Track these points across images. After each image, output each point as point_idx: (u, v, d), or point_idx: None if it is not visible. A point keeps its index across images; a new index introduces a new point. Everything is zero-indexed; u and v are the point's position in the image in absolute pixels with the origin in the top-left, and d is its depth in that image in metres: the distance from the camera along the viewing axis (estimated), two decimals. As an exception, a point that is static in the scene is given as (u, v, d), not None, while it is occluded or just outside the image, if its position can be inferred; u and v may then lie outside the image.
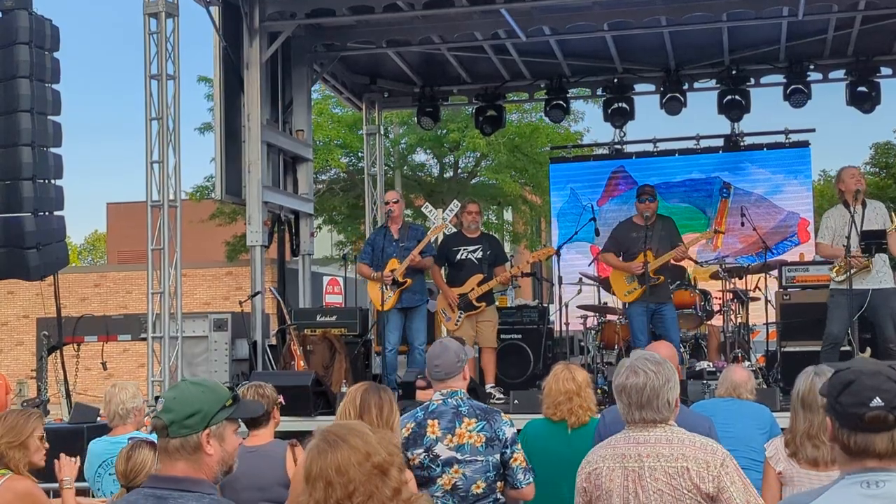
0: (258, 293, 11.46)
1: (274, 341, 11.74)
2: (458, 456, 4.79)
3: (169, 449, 2.99)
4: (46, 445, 5.16)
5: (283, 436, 5.47)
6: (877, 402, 2.72)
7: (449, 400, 4.93)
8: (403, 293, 10.48)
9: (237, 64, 11.84)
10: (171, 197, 10.58)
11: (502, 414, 5.01)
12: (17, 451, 4.95)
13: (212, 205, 26.85)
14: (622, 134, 16.91)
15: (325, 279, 26.79)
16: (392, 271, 10.38)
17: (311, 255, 13.65)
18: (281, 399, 5.50)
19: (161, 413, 3.00)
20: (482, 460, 4.81)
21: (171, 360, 10.42)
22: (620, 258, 10.57)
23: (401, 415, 4.81)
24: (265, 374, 10.32)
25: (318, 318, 11.76)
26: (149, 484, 3.05)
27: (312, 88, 15.20)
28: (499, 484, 4.88)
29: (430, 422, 4.86)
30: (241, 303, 11.25)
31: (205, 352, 11.19)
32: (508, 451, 4.87)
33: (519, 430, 6.14)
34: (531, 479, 4.94)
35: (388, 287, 10.39)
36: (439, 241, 11.73)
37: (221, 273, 30.32)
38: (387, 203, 10.99)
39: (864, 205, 9.56)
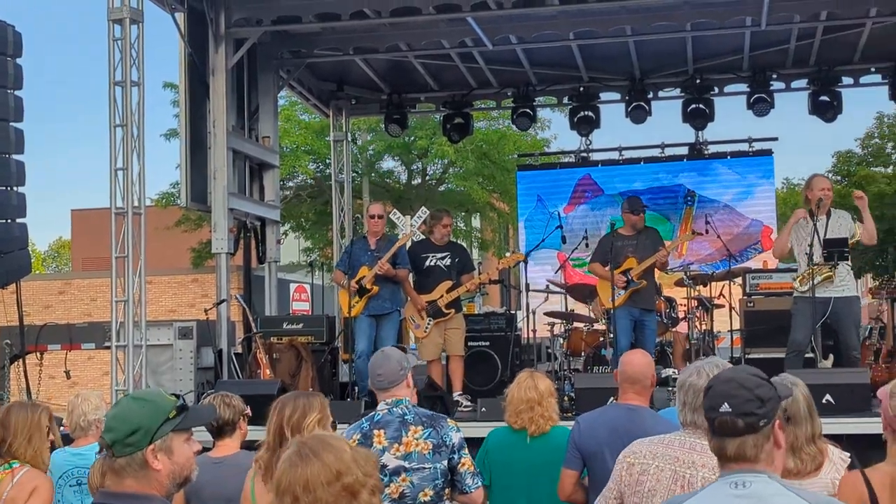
0: (223, 301, 11.40)
1: (240, 349, 11.67)
2: (406, 464, 4.76)
3: (115, 467, 2.95)
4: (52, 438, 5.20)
5: (249, 445, 5.45)
6: (725, 407, 2.85)
7: (394, 409, 4.90)
8: (371, 300, 10.46)
9: (203, 70, 11.79)
10: (136, 204, 10.50)
11: (448, 419, 4.99)
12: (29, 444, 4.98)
13: (178, 211, 26.73)
14: (588, 142, 17.01)
15: (293, 286, 26.74)
16: (360, 279, 10.38)
17: (278, 262, 13.61)
18: (248, 411, 5.48)
19: (104, 433, 2.97)
20: (430, 467, 4.80)
21: (136, 368, 10.33)
22: (607, 268, 10.65)
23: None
24: (230, 382, 10.27)
25: (284, 326, 11.74)
26: (98, 500, 3.02)
27: (279, 95, 15.17)
28: (447, 490, 4.88)
29: (375, 432, 4.83)
30: (206, 311, 11.19)
31: (170, 360, 11.13)
32: (456, 456, 4.86)
33: (482, 438, 6.20)
34: (479, 484, 4.94)
35: (355, 294, 10.39)
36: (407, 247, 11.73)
37: (187, 280, 30.15)
38: (372, 216, 10.93)
39: (829, 214, 9.66)
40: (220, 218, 11.52)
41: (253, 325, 11.27)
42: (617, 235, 10.66)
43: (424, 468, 4.80)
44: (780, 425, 2.93)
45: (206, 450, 4.86)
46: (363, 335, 10.47)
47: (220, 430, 5.27)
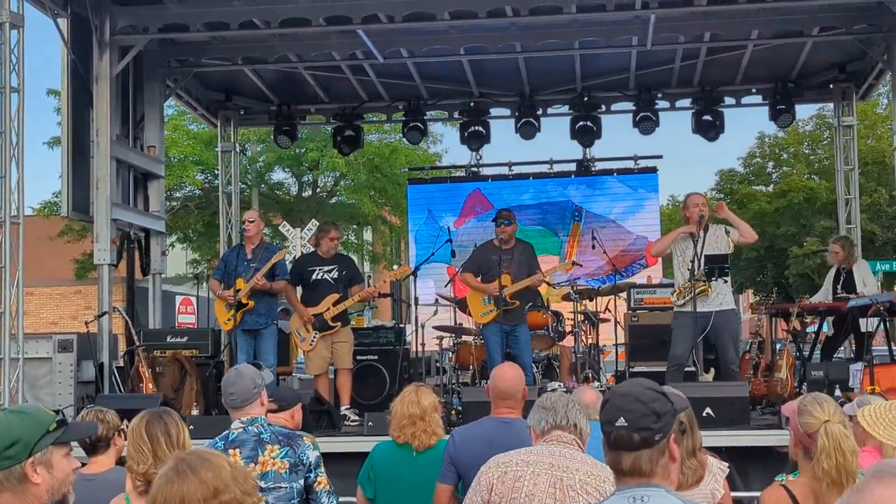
0: (105, 313, 11.15)
1: (122, 363, 11.44)
2: (263, 484, 4.66)
3: None
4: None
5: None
6: (621, 421, 2.84)
7: (250, 427, 4.82)
8: (246, 315, 10.36)
9: (87, 77, 11.53)
10: (14, 213, 10.21)
11: (306, 437, 4.94)
12: None
13: (62, 222, 26.09)
14: (478, 157, 17.12)
15: (178, 299, 26.32)
16: (236, 292, 10.24)
17: (163, 274, 13.38)
18: (124, 425, 5.34)
19: None
20: (286, 487, 4.73)
21: (12, 382, 10.03)
22: (479, 279, 10.67)
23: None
24: (111, 397, 10.05)
25: (168, 339, 11.53)
26: None
27: (167, 104, 14.93)
28: None
29: (231, 451, 4.73)
30: (87, 323, 10.93)
31: (48, 374, 10.84)
32: (312, 475, 4.80)
33: (365, 454, 6.16)
34: (335, 503, 4.92)
35: (231, 306, 10.27)
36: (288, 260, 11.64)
37: (70, 292, 29.46)
38: (244, 222, 10.87)
39: (706, 229, 9.89)
40: (102, 228, 11.28)
41: (136, 337, 11.03)
42: (492, 247, 10.71)
43: (281, 487, 4.73)
44: (676, 439, 2.93)
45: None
46: (241, 351, 10.38)
47: (93, 446, 5.13)
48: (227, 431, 4.89)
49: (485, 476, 4.08)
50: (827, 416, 4.04)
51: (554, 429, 4.16)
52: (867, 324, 11.29)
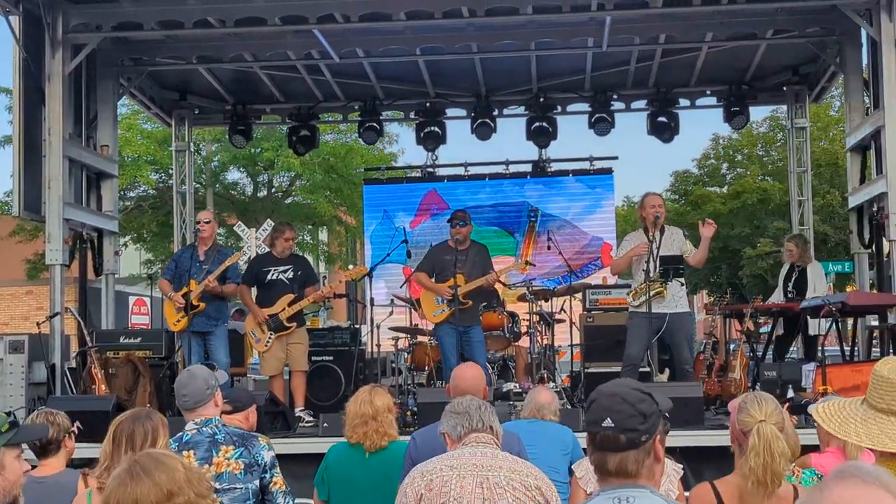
0: (57, 314, 11.02)
1: (74, 364, 11.32)
2: (217, 485, 4.62)
3: None
4: None
5: (83, 464, 5.27)
6: (608, 422, 2.82)
7: (204, 429, 4.80)
8: (197, 316, 10.28)
9: (39, 75, 11.38)
10: (-36, 213, 10.07)
11: (260, 438, 4.92)
12: None
13: (13, 221, 25.75)
14: (434, 157, 17.12)
15: (132, 299, 26.09)
16: (187, 294, 10.16)
17: (116, 274, 13.24)
18: (75, 427, 5.28)
19: None
20: (241, 488, 4.71)
21: (-38, 384, 9.90)
22: (433, 279, 10.67)
23: None
24: (63, 398, 9.94)
25: (121, 340, 11.44)
26: None
27: (120, 102, 14.78)
28: None
29: (185, 453, 4.70)
30: (38, 324, 10.79)
31: (-1, 375, 10.70)
32: (267, 475, 4.79)
33: (324, 454, 6.13)
34: (291, 503, 4.90)
35: (181, 308, 10.19)
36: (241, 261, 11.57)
37: (21, 292, 29.12)
38: (198, 222, 10.77)
39: (662, 231, 9.94)
40: (54, 228, 11.14)
41: (88, 338, 10.92)
42: (446, 248, 10.72)
43: (236, 488, 4.70)
44: (661, 440, 2.91)
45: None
46: (193, 353, 10.32)
47: (43, 448, 5.07)
48: (181, 433, 4.85)
49: (411, 487, 4.04)
50: (763, 416, 4.07)
51: (470, 433, 4.15)
52: (817, 325, 11.45)
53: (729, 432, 4.22)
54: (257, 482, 4.75)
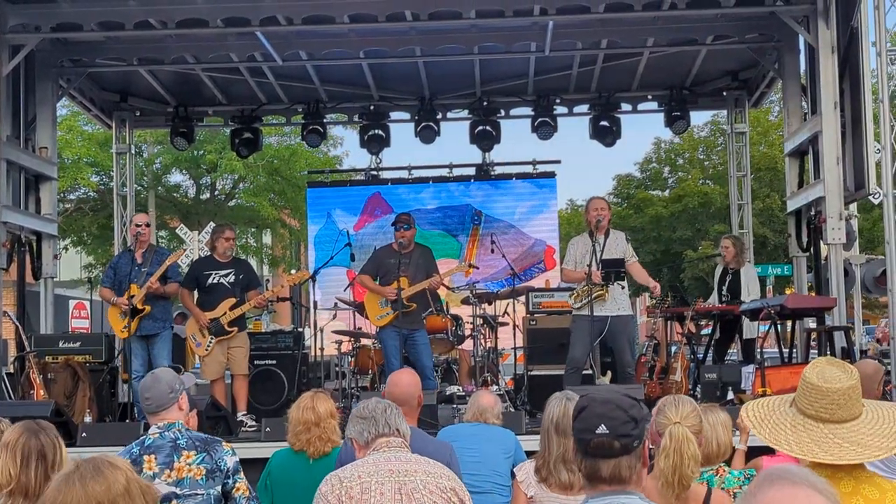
0: (-6, 318, 10.87)
1: (12, 369, 11.14)
2: (178, 491, 4.60)
3: None
4: None
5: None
6: (602, 429, 2.85)
7: (166, 433, 4.75)
8: (143, 320, 10.16)
9: (-25, 77, 11.22)
10: None
11: (223, 443, 4.87)
12: None
13: (-52, 223, 25.29)
14: (378, 160, 17.10)
15: (72, 303, 25.73)
16: (130, 298, 10.05)
17: (55, 278, 13.05)
18: None
19: None
20: (203, 493, 4.66)
21: None
22: (377, 282, 10.66)
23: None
24: (0, 404, 9.78)
25: (60, 345, 11.26)
26: None
27: (60, 104, 14.59)
28: None
29: (146, 457, 4.66)
30: (-25, 329, 10.63)
31: (-66, 380, 10.51)
32: (230, 481, 4.74)
33: (266, 459, 6.10)
34: None
35: (126, 314, 10.07)
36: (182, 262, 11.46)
37: (-42, 296, 28.55)
38: (138, 225, 10.63)
39: (607, 234, 10.03)
40: (-8, 231, 10.99)
41: (26, 343, 10.76)
42: (390, 251, 10.73)
43: (197, 494, 4.65)
44: (646, 444, 2.95)
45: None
46: (136, 356, 10.20)
47: None
48: (143, 436, 4.83)
49: (332, 495, 3.98)
50: (679, 418, 4.14)
51: (378, 437, 4.11)
52: (749, 328, 11.62)
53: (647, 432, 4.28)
54: (219, 488, 4.71)
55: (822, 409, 2.90)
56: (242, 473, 4.84)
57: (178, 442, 4.73)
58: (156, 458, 4.68)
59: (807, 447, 2.87)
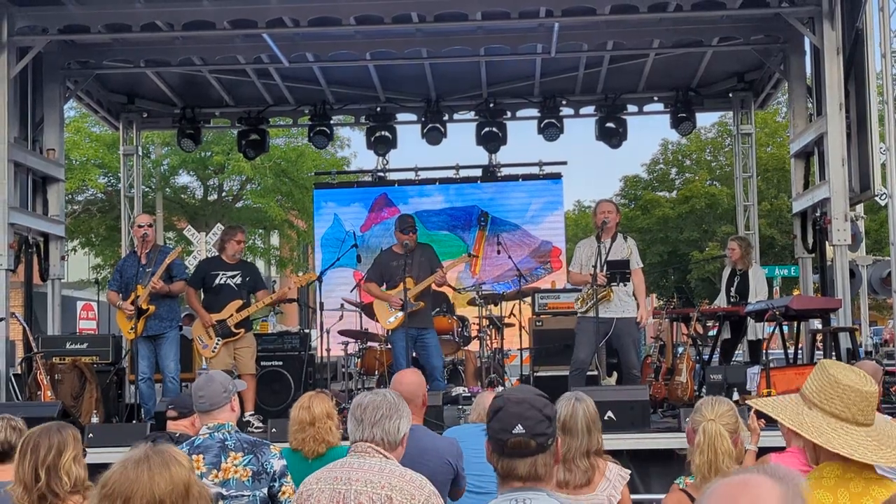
0: (2, 319, 10.91)
1: (20, 370, 11.20)
2: (224, 491, 4.67)
3: None
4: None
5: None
6: (518, 429, 2.89)
7: (215, 434, 4.83)
8: (149, 320, 10.19)
9: (-17, 79, 11.27)
10: None
11: (271, 446, 4.94)
12: None
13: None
14: (385, 161, 17.13)
15: (80, 304, 25.80)
16: (136, 299, 10.08)
17: (62, 279, 13.10)
18: None
19: None
20: (249, 495, 4.73)
21: None
22: (383, 287, 10.68)
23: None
24: (8, 405, 9.84)
25: (67, 346, 11.31)
26: None
27: (68, 106, 14.64)
28: None
29: (194, 457, 4.72)
30: (-18, 330, 10.68)
31: (-58, 381, 10.56)
32: (277, 484, 4.81)
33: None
34: None
35: (133, 315, 10.10)
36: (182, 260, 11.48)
37: (-34, 297, 28.61)
38: (140, 227, 10.64)
39: (614, 238, 10.03)
40: (-1, 233, 11.04)
41: (34, 344, 10.81)
42: (392, 254, 10.74)
43: (243, 495, 4.72)
44: (559, 441, 2.99)
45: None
46: (143, 358, 10.22)
47: (2, 454, 5.02)
48: (193, 437, 4.91)
49: (294, 497, 4.01)
50: (713, 416, 4.17)
51: (357, 441, 4.06)
52: (757, 329, 11.61)
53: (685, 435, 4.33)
54: (265, 490, 4.77)
55: (858, 412, 2.87)
56: (290, 477, 4.88)
57: (227, 443, 4.80)
58: (204, 458, 4.74)
59: (858, 450, 2.84)
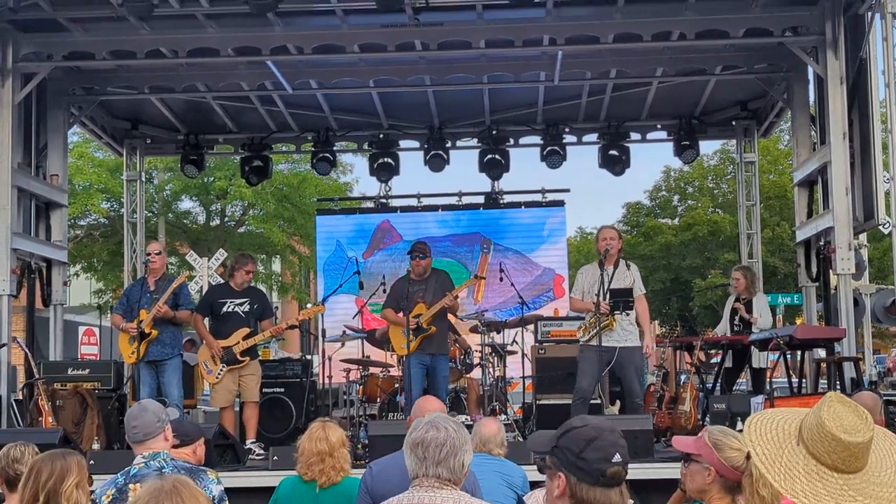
0: (4, 345, 10.89)
1: (21, 396, 11.16)
2: None
3: None
4: None
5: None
6: (617, 458, 2.88)
7: (151, 462, 4.78)
8: (151, 345, 10.17)
9: (-13, 104, 11.29)
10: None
11: (209, 471, 4.91)
12: None
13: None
14: (388, 188, 17.13)
15: (81, 329, 25.79)
16: (139, 323, 10.08)
17: (64, 304, 13.09)
18: None
19: None
20: None
21: None
22: (400, 314, 10.68)
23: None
24: (9, 431, 9.80)
25: (69, 372, 11.27)
26: None
27: (72, 131, 14.67)
28: None
29: (131, 486, 4.68)
30: (-16, 355, 10.65)
31: (-57, 407, 10.52)
32: None
33: (274, 487, 6.08)
34: None
35: (135, 339, 10.08)
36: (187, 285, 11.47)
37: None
38: (148, 254, 10.67)
39: (616, 264, 9.99)
40: (2, 258, 11.04)
41: (35, 370, 10.77)
42: (409, 281, 10.75)
43: None
44: None
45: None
46: (144, 384, 10.19)
47: (9, 482, 4.99)
48: (128, 467, 4.84)
49: None
50: (744, 447, 4.08)
51: (422, 476, 3.91)
52: (759, 359, 11.58)
53: (701, 472, 4.14)
54: None
55: (839, 461, 2.80)
56: (228, 502, 4.86)
57: (164, 470, 4.74)
58: (141, 487, 4.68)
59: (824, 500, 2.78)
